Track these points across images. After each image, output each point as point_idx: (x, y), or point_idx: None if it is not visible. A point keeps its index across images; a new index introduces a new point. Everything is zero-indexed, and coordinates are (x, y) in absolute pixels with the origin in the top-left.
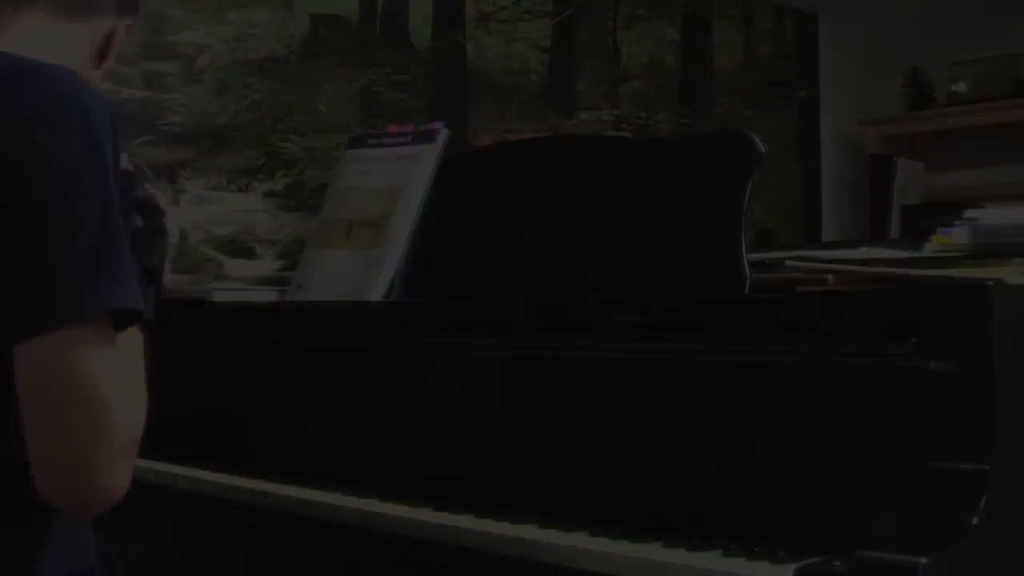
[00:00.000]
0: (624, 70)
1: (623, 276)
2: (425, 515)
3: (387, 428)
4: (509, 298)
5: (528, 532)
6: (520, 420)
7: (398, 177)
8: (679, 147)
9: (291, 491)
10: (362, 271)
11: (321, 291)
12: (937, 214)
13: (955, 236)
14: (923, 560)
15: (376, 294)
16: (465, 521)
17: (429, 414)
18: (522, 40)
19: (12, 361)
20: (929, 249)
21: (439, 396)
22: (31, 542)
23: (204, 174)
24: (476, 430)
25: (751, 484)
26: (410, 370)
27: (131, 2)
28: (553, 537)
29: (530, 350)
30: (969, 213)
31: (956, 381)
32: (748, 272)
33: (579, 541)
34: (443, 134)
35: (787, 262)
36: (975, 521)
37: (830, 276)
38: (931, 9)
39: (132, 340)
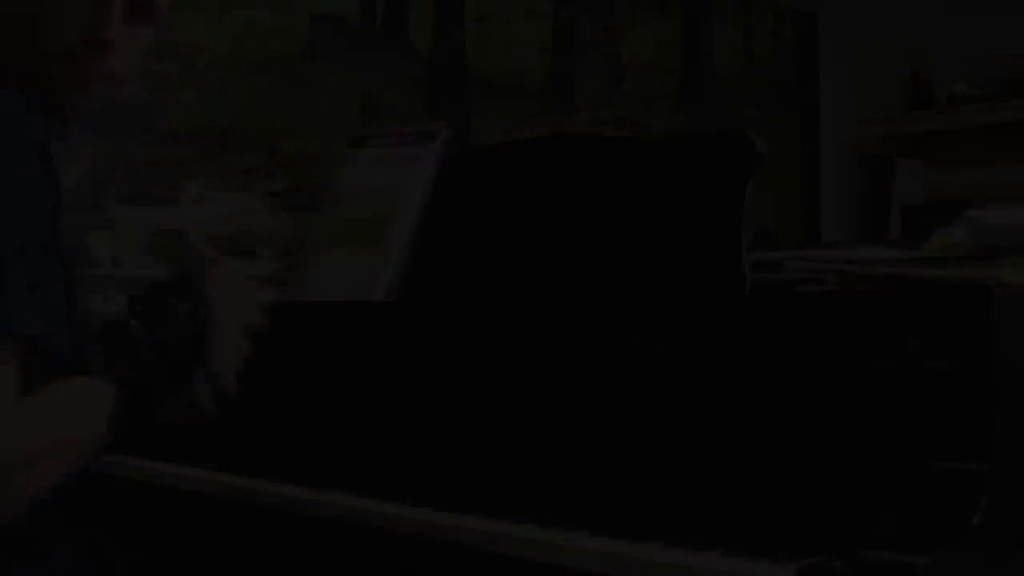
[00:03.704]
0: (624, 70)
1: (623, 276)
2: (425, 515)
3: (386, 428)
4: (509, 299)
5: (528, 532)
6: (520, 420)
7: (398, 177)
8: (679, 147)
9: (290, 491)
10: (362, 271)
11: (321, 291)
12: (937, 214)
13: (955, 236)
14: (923, 560)
15: (376, 294)
16: (465, 521)
17: (429, 414)
18: (522, 40)
19: None
20: (929, 249)
21: (438, 396)
22: None
23: (204, 174)
24: (476, 430)
25: (751, 483)
26: (409, 370)
27: None
28: (553, 537)
29: (530, 350)
30: (969, 213)
31: (956, 381)
32: (748, 272)
33: (579, 541)
34: (443, 134)
35: (787, 262)
36: (975, 521)
37: (830, 276)
38: (931, 9)
39: None
